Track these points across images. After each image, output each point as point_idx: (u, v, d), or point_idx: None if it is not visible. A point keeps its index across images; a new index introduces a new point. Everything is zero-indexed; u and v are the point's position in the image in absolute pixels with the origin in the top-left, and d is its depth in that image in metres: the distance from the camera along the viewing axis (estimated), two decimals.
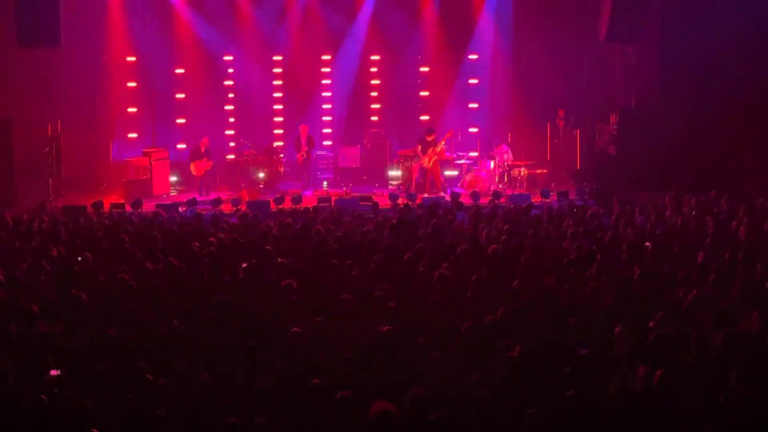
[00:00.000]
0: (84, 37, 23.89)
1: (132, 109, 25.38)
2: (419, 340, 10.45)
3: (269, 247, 14.62)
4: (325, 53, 26.09)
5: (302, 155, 24.17)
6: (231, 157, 24.65)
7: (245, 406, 9.07)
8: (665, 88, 23.20)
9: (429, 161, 23.21)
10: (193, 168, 23.77)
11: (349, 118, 26.34)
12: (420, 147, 23.39)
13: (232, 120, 25.95)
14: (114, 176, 24.14)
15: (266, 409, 9.01)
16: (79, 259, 14.18)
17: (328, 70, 26.19)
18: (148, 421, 8.82)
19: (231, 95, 25.95)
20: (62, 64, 23.73)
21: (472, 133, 25.47)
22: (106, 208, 19.94)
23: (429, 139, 23.29)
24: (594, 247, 14.48)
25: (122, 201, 21.20)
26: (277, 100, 26.24)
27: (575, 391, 8.82)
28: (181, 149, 25.21)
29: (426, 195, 22.26)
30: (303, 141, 24.23)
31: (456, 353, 10.21)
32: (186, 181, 24.61)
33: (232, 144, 25.59)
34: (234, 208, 20.17)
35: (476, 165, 24.26)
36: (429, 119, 25.91)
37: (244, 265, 13.80)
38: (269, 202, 20.70)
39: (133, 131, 25.46)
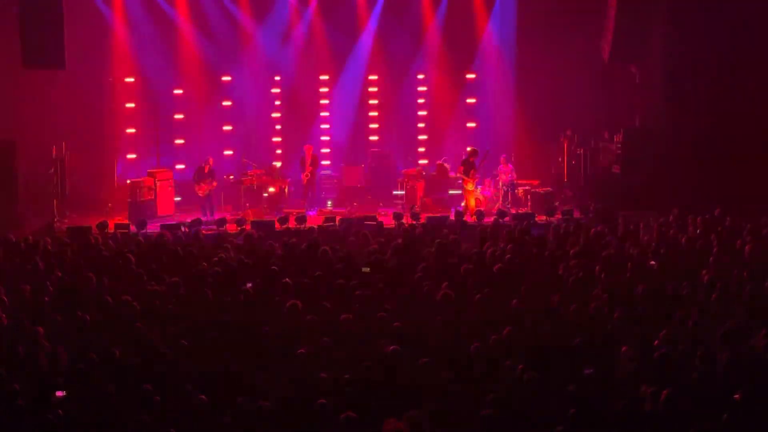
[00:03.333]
0: (88, 58, 23.97)
1: (131, 130, 25.42)
2: (424, 360, 10.43)
3: (274, 268, 14.61)
4: (325, 73, 26.16)
5: (307, 175, 24.13)
6: (230, 177, 24.60)
7: (251, 426, 9.05)
8: (669, 107, 23.25)
9: (473, 184, 23.02)
10: (197, 188, 23.74)
11: (349, 138, 26.38)
12: (463, 169, 23.10)
13: (231, 140, 25.97)
14: (118, 197, 24.15)
15: (271, 429, 8.99)
16: (84, 280, 14.17)
17: (326, 90, 26.27)
18: None
19: (230, 115, 25.99)
20: (67, 86, 23.76)
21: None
22: (111, 228, 19.94)
23: (472, 160, 23.14)
24: (598, 266, 14.46)
25: (127, 222, 21.21)
26: (277, 120, 26.29)
27: (579, 409, 8.79)
28: (180, 169, 25.23)
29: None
30: (308, 161, 24.19)
31: (461, 373, 10.18)
32: (190, 202, 24.58)
33: (237, 164, 25.60)
34: (239, 229, 20.16)
35: (480, 184, 24.23)
36: (428, 138, 25.99)
37: (249, 285, 13.80)
38: (273, 222, 20.68)
39: (131, 152, 25.49)
